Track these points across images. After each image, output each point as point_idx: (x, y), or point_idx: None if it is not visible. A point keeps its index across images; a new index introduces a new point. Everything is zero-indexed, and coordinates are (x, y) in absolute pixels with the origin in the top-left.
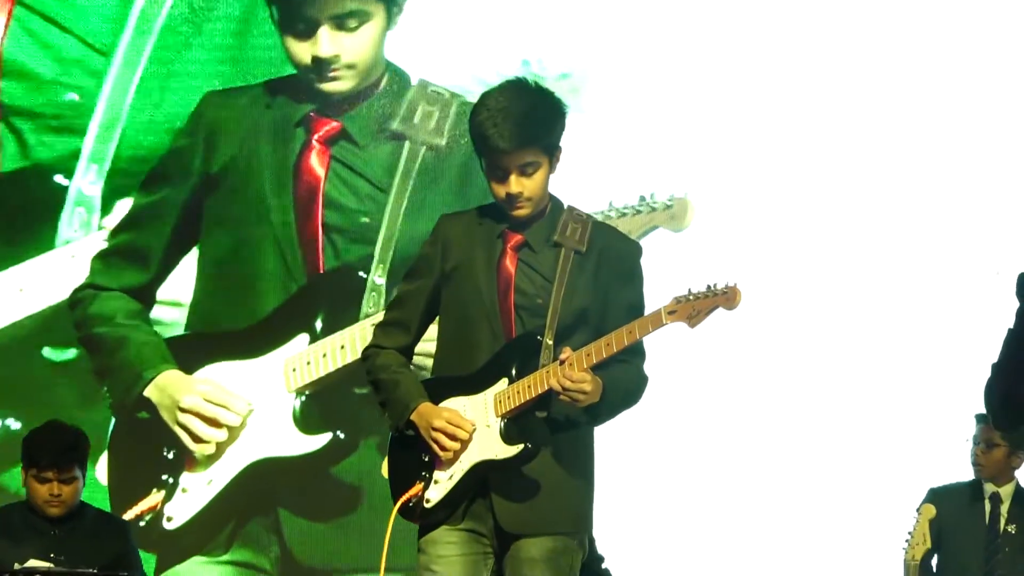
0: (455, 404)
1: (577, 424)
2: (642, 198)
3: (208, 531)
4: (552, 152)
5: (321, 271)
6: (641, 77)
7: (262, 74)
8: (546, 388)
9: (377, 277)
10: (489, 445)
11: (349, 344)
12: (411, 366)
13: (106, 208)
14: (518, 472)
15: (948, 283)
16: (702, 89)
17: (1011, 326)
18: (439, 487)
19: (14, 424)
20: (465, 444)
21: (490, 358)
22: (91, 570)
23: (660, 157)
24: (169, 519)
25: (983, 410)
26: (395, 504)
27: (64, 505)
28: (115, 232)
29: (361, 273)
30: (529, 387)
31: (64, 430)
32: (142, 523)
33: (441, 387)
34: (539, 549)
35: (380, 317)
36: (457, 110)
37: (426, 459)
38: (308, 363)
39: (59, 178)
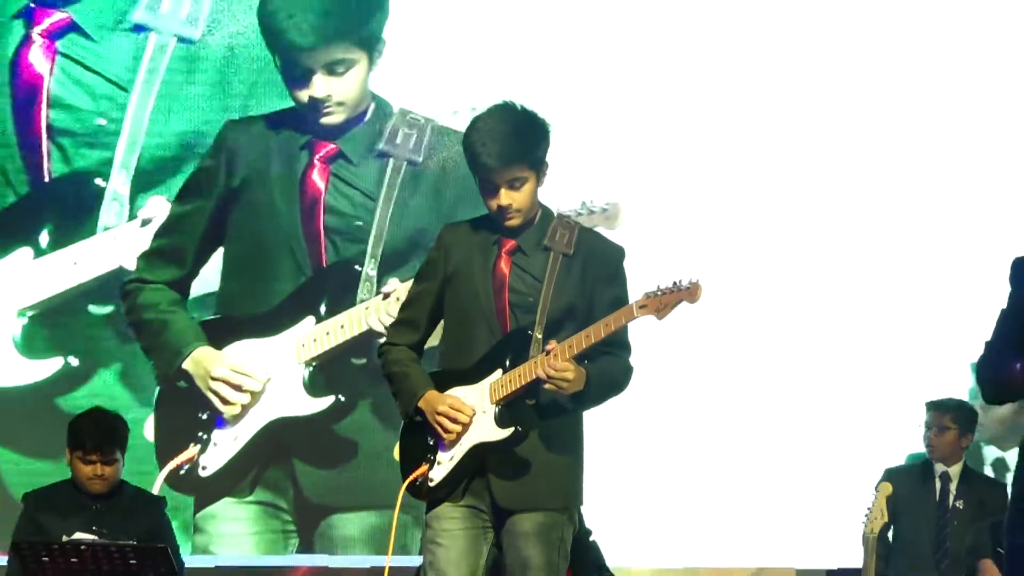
0: (456, 393)
1: (564, 410)
2: (583, 203)
3: (235, 478)
4: (538, 167)
5: (324, 265)
6: (582, 106)
7: (239, 104)
8: (533, 377)
9: (370, 269)
10: (485, 429)
11: (348, 324)
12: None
13: (133, 202)
14: (512, 453)
15: (903, 279)
16: (633, 117)
17: (1003, 307)
18: (442, 467)
19: (74, 361)
20: (466, 427)
21: (487, 352)
22: (130, 541)
23: (596, 171)
24: (204, 468)
25: (934, 398)
26: (403, 483)
27: (107, 483)
28: (156, 236)
29: (356, 266)
30: (519, 376)
31: (106, 417)
32: (182, 472)
33: (445, 379)
34: (531, 523)
35: (373, 300)
36: (431, 132)
37: (431, 443)
38: (315, 340)
39: (98, 181)
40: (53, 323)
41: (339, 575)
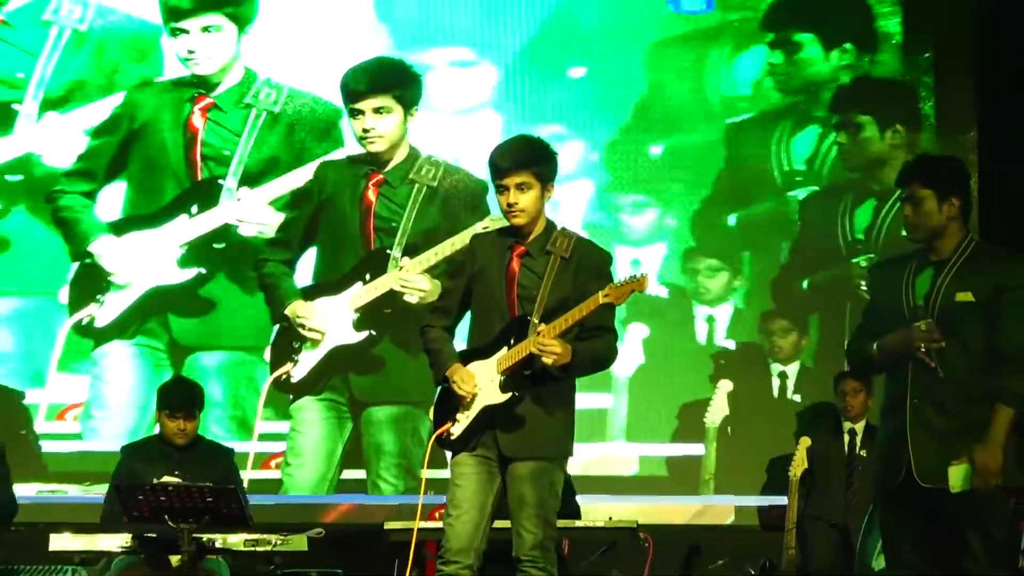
0: (473, 366)
1: (553, 378)
2: None
3: (313, 383)
4: (544, 181)
5: (371, 250)
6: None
7: (298, 148)
8: (528, 352)
9: (396, 253)
10: (491, 394)
11: (379, 286)
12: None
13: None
14: (513, 412)
15: None
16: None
17: (865, 306)
18: (460, 424)
19: (203, 270)
20: (474, 393)
21: (498, 333)
22: (206, 484)
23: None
24: (292, 377)
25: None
26: (431, 436)
27: (187, 437)
28: (277, 231)
29: (388, 250)
30: (518, 352)
31: (189, 384)
32: (281, 379)
33: (469, 355)
34: (527, 469)
35: (392, 272)
36: (443, 169)
37: (454, 405)
38: (360, 295)
39: (220, 181)
40: (195, 250)
41: (374, 511)
